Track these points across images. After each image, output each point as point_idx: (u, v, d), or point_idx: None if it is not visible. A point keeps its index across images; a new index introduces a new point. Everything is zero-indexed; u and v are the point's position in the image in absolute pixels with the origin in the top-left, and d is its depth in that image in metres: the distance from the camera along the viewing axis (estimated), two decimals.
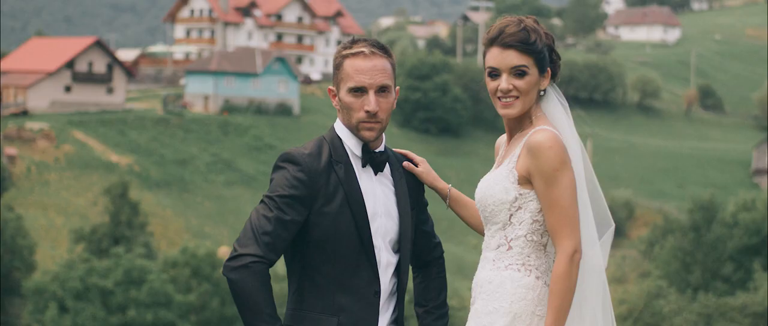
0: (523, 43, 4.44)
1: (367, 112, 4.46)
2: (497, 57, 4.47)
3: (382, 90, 4.49)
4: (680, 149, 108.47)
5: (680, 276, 59.37)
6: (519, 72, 4.45)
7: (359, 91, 4.48)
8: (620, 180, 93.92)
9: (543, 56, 4.46)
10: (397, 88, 4.62)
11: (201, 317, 53.99)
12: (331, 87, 4.60)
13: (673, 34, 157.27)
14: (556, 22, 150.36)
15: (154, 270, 53.49)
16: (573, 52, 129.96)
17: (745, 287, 56.34)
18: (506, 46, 4.46)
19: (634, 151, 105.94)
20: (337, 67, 4.54)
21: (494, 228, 4.46)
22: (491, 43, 4.50)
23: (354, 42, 4.54)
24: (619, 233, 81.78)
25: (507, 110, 4.49)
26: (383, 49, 4.53)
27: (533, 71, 4.45)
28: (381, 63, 4.50)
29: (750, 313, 51.00)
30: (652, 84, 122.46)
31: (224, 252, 63.58)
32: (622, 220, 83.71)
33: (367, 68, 4.48)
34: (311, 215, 4.43)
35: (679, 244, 61.20)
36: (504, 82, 4.46)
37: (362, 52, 4.49)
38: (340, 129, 4.56)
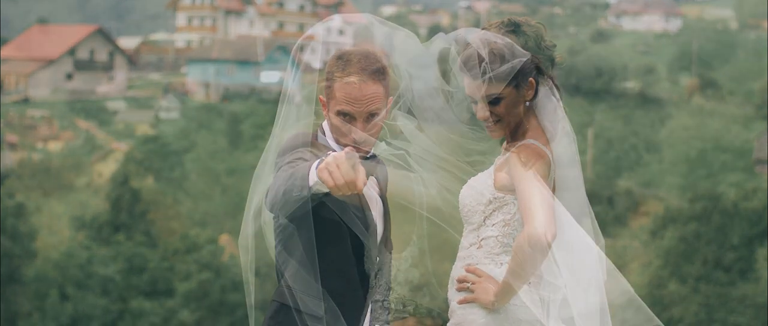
0: (486, 73, 4.32)
1: (355, 140, 4.38)
2: (469, 86, 4.36)
3: (371, 115, 4.40)
4: (682, 138, 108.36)
5: (681, 266, 59.34)
6: (492, 101, 4.34)
7: (348, 116, 4.39)
8: (621, 169, 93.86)
9: (515, 74, 4.31)
10: (391, 98, 4.53)
11: (202, 305, 53.97)
12: (322, 96, 4.53)
13: (675, 24, 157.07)
14: (557, 10, 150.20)
15: (154, 258, 53.47)
16: (574, 41, 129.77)
17: (746, 277, 56.29)
18: (473, 77, 4.34)
19: (635, 140, 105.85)
20: (329, 82, 4.45)
21: (468, 229, 4.45)
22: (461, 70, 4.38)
23: (348, 61, 4.43)
24: (620, 223, 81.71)
25: (491, 134, 4.42)
26: (377, 73, 4.40)
27: (508, 91, 4.32)
28: (372, 90, 4.40)
29: (752, 304, 50.97)
30: (654, 73, 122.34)
31: (225, 240, 63.49)
32: (623, 210, 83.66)
33: (358, 97, 4.41)
34: None
35: (680, 234, 61.15)
36: (480, 110, 4.37)
37: (353, 82, 4.37)
38: (331, 139, 4.49)
